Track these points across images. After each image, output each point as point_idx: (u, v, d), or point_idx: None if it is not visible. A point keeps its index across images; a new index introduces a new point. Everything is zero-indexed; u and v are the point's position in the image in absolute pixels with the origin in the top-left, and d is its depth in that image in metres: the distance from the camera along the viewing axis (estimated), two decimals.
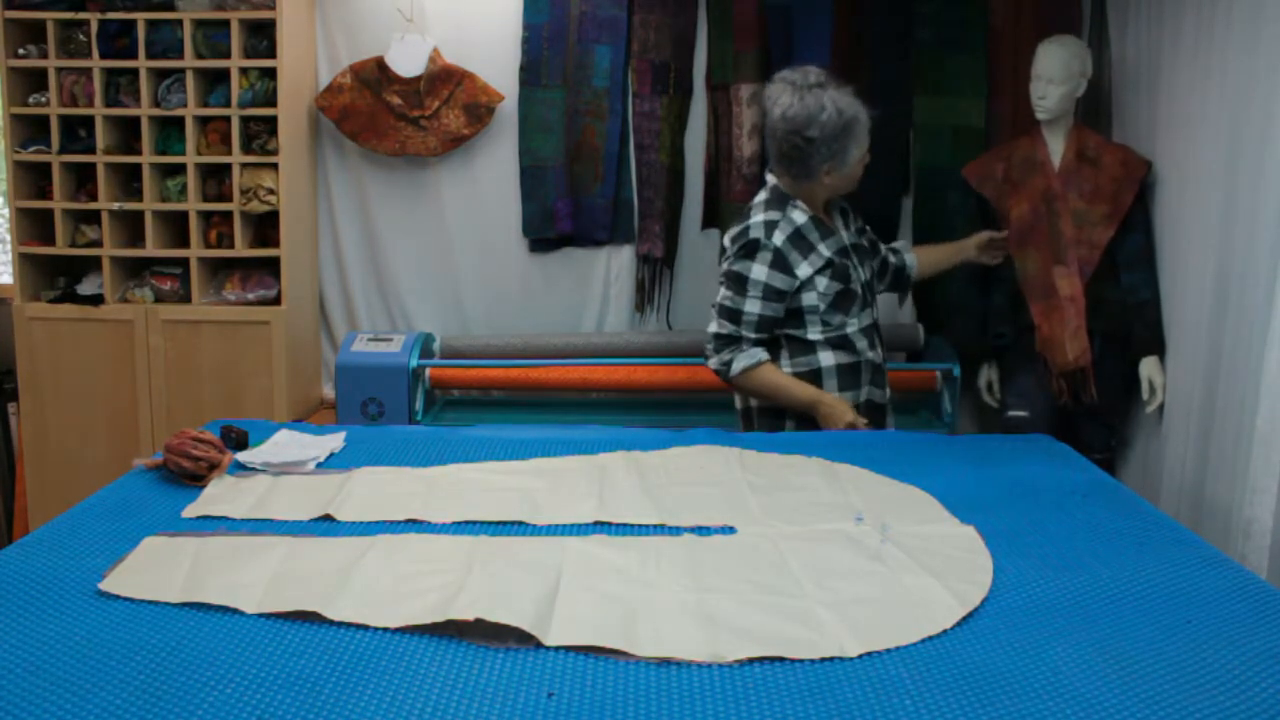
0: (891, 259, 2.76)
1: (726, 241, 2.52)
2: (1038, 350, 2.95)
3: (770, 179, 2.53)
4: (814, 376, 2.50)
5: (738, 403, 2.67)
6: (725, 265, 2.50)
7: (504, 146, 3.62)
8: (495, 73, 3.55)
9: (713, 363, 2.52)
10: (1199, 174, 2.62)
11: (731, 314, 2.47)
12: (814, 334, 2.49)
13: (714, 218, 3.64)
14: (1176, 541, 1.85)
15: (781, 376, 2.49)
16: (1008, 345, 3.09)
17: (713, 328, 2.51)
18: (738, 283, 2.46)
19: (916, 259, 2.80)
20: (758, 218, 2.48)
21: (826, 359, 2.50)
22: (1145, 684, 1.36)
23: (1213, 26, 2.55)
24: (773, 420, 2.57)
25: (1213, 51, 2.54)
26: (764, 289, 2.44)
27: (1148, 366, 2.84)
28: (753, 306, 2.45)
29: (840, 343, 2.50)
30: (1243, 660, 1.42)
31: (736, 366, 2.47)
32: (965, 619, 1.54)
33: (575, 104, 3.56)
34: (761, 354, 2.48)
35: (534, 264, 3.71)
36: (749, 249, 2.45)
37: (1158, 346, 2.83)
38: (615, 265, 3.70)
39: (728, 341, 2.49)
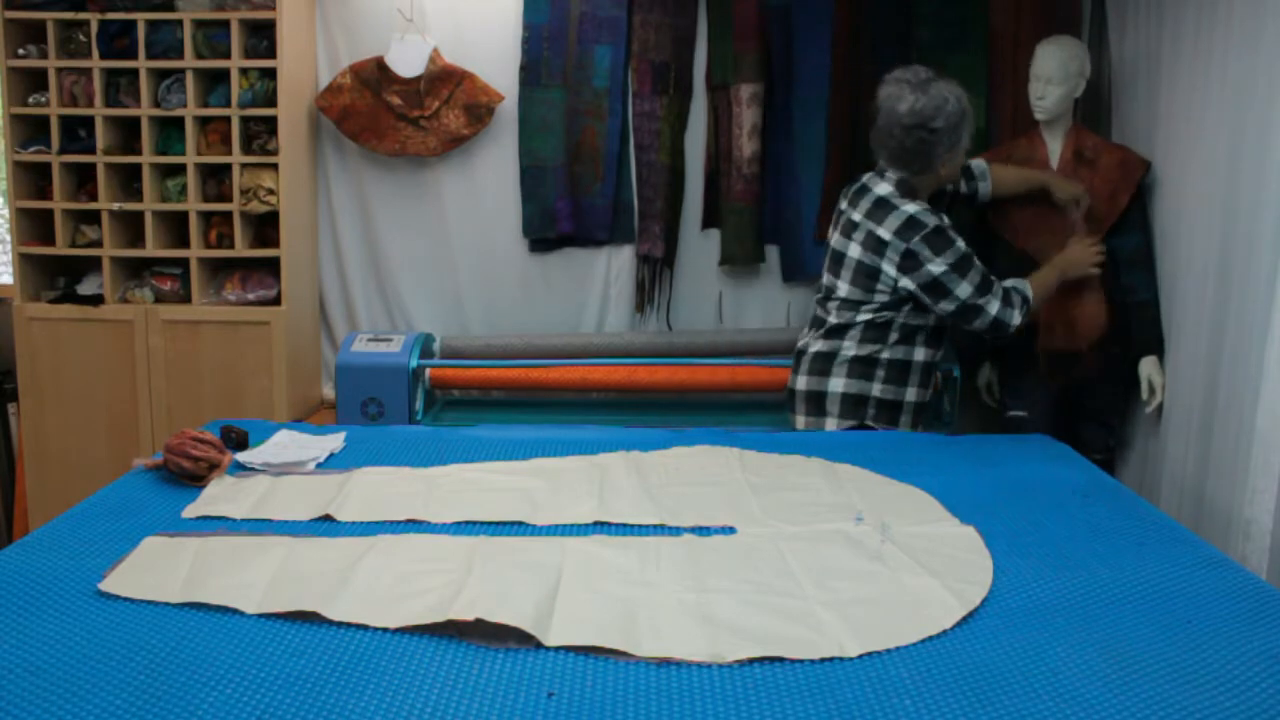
0: (964, 187, 2.81)
1: (887, 234, 2.49)
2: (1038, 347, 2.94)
3: (891, 175, 2.57)
4: (904, 368, 2.59)
5: (801, 383, 2.70)
6: (930, 268, 2.47)
7: (504, 146, 3.62)
8: (495, 73, 3.55)
9: (1016, 318, 2.54)
10: (1199, 174, 2.62)
11: (984, 283, 2.50)
12: (921, 320, 2.56)
13: (714, 218, 3.64)
14: (1176, 541, 1.85)
15: (1036, 280, 2.63)
16: (1007, 345, 3.08)
17: (993, 309, 2.50)
18: (964, 261, 2.48)
19: (991, 186, 2.85)
20: (912, 207, 2.49)
21: (919, 354, 2.60)
22: (1145, 684, 1.36)
23: (1213, 26, 2.54)
24: (855, 407, 2.62)
25: (1213, 51, 2.54)
26: (969, 247, 2.51)
27: (1146, 366, 2.84)
28: (979, 264, 2.51)
29: (931, 339, 2.61)
30: (1243, 660, 1.42)
31: (1021, 310, 2.55)
32: (965, 619, 1.54)
33: (575, 104, 3.56)
34: (1019, 283, 2.58)
35: (534, 264, 3.71)
36: (940, 237, 2.47)
37: (1157, 346, 2.83)
38: (615, 265, 3.70)
39: (1002, 301, 2.52)
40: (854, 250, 2.56)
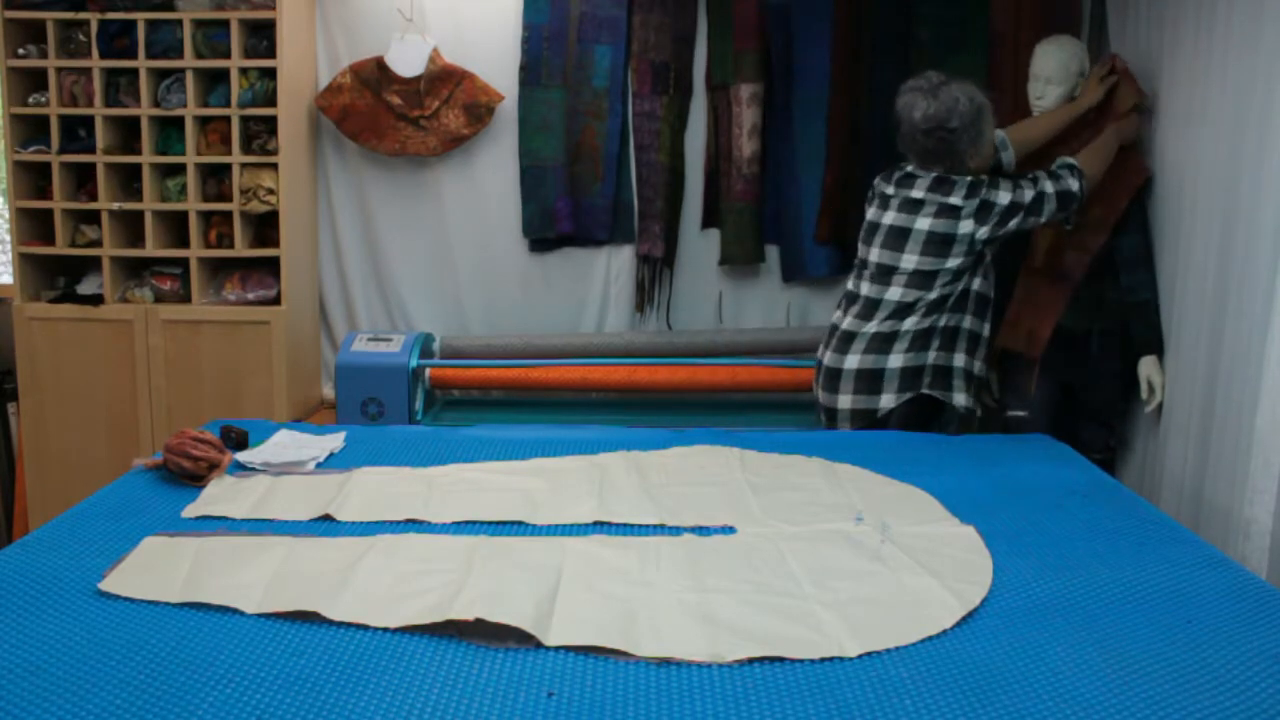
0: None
1: (958, 199, 2.57)
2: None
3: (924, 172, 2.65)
4: (953, 334, 2.66)
5: (853, 362, 2.70)
6: (1000, 201, 2.57)
7: (504, 146, 3.62)
8: (495, 73, 3.55)
9: (1075, 185, 2.65)
10: (1199, 174, 2.61)
11: (1033, 181, 2.61)
12: (982, 287, 2.66)
13: (714, 218, 3.64)
14: (1176, 541, 1.85)
15: (1093, 148, 2.78)
16: (1006, 354, 3.09)
17: (1049, 188, 2.61)
18: (1012, 183, 2.60)
19: (1014, 153, 2.88)
20: (966, 175, 2.61)
21: (967, 322, 2.68)
22: (1145, 684, 1.36)
23: (1213, 26, 2.54)
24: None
25: (1213, 51, 2.54)
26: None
27: (1146, 366, 2.84)
28: (1020, 181, 2.62)
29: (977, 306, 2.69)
30: (1243, 660, 1.42)
31: (1075, 176, 2.66)
32: (965, 619, 1.54)
33: (575, 104, 3.56)
34: (1062, 159, 2.70)
35: (534, 264, 3.71)
36: (994, 181, 2.59)
37: (1157, 346, 2.83)
38: (615, 265, 3.70)
39: (1053, 181, 2.63)
40: (922, 223, 2.60)
